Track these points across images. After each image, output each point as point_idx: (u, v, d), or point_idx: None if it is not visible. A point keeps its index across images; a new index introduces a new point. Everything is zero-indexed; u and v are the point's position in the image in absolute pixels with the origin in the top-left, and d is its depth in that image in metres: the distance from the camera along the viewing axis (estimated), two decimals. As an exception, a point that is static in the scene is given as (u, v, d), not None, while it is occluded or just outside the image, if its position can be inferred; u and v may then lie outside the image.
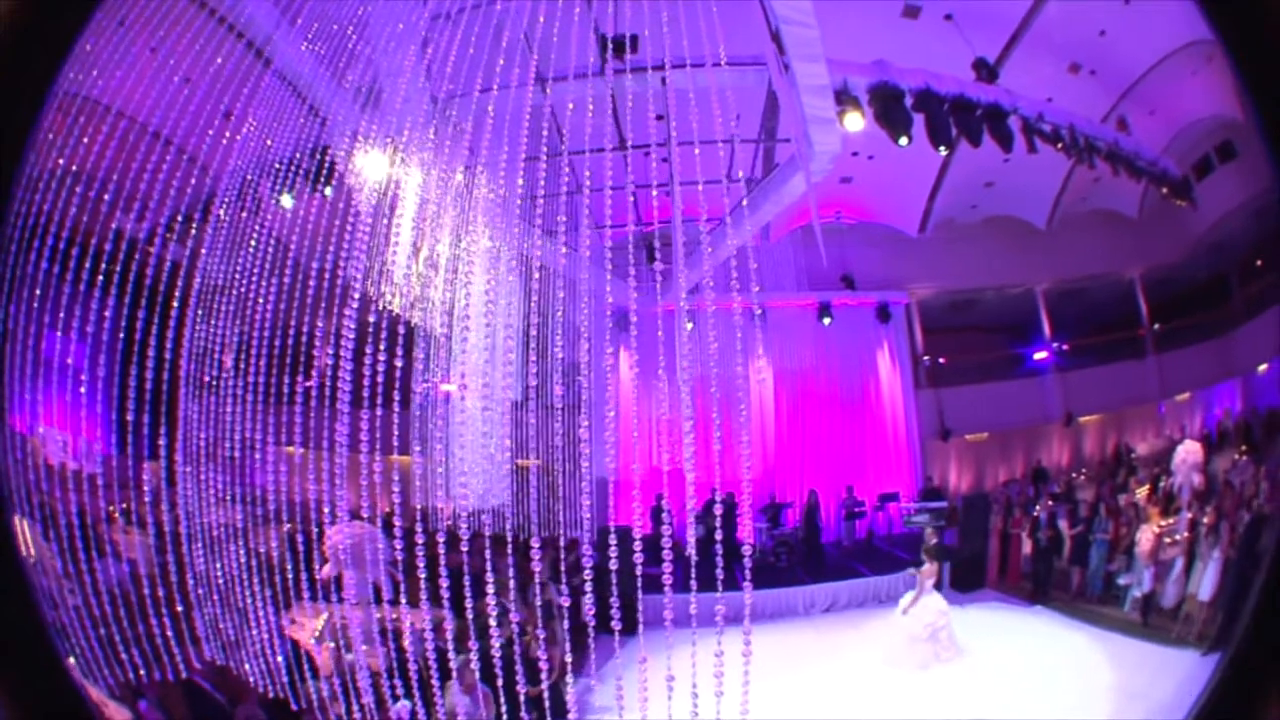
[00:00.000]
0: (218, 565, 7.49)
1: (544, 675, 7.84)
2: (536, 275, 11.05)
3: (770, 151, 14.43)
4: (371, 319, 7.74)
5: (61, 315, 7.69)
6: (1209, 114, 16.96)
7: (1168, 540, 12.22)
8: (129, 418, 7.85)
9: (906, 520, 17.29)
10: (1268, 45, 1.64)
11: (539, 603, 9.41)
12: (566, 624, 10.33)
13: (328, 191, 8.43)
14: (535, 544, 7.81)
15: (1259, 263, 18.22)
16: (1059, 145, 12.03)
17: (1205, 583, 11.08)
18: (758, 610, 14.59)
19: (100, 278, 7.77)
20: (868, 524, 18.66)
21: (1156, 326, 20.74)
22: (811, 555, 16.93)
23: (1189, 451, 14.74)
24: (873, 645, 12.60)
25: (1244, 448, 16.44)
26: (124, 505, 8.33)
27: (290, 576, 7.85)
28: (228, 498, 8.05)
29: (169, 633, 6.85)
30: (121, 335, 7.94)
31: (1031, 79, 13.20)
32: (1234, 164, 17.48)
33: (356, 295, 7.49)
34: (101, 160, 7.51)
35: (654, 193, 11.68)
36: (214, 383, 8.16)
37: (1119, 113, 15.67)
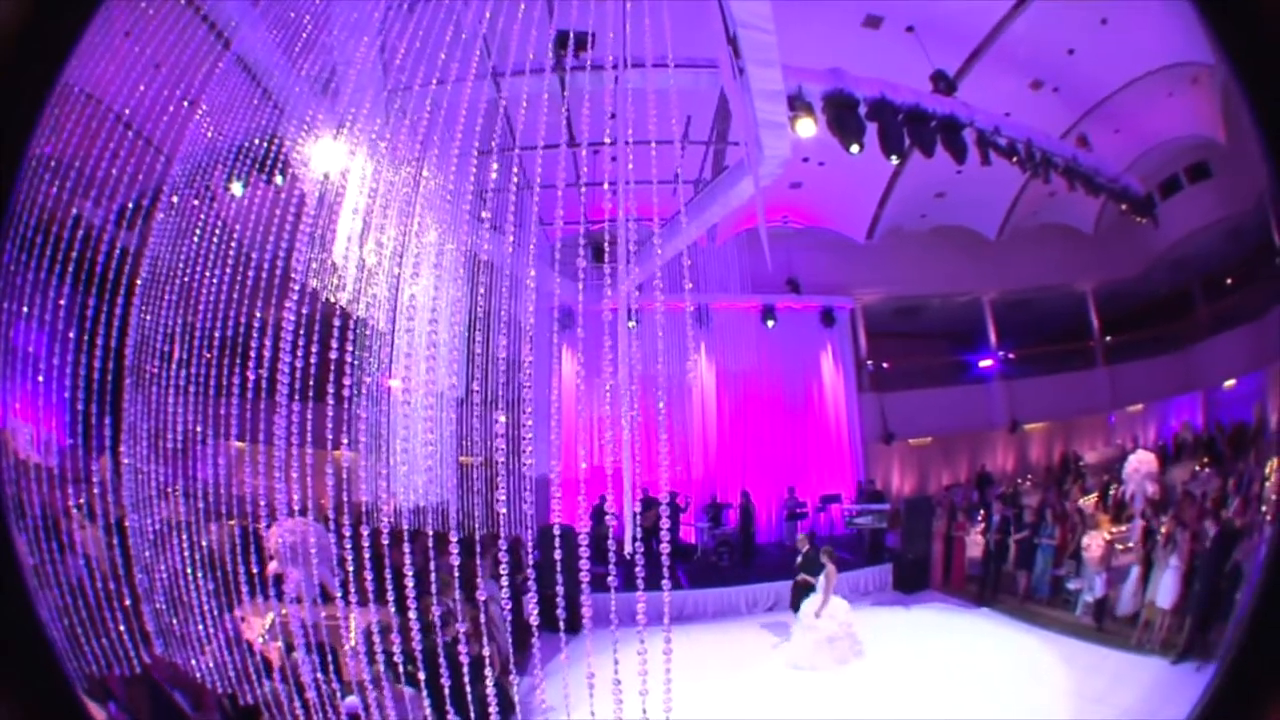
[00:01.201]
0: (162, 561, 7.40)
1: (489, 673, 7.83)
2: (482, 271, 11.06)
3: (720, 154, 14.58)
4: (314, 311, 7.73)
5: (24, 303, 7.53)
6: (1183, 134, 17.41)
7: (1120, 547, 12.46)
8: (79, 408, 7.73)
9: (849, 521, 17.48)
10: (1266, 46, 1.71)
11: (476, 600, 9.40)
12: (508, 622, 10.40)
13: (279, 180, 8.35)
14: (453, 539, 7.81)
15: (1229, 280, 18.92)
16: (1014, 159, 12.25)
17: (1164, 590, 11.12)
18: (701, 609, 14.79)
19: (58, 265, 7.61)
20: (810, 525, 18.58)
21: (1108, 339, 21.39)
22: (746, 555, 17.12)
23: (1142, 461, 14.99)
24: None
25: (1205, 460, 17.10)
26: (80, 500, 8.15)
27: (238, 573, 7.79)
28: (172, 492, 7.95)
29: (121, 627, 6.77)
30: (74, 323, 7.81)
31: (991, 93, 13.45)
32: (1207, 184, 18.03)
33: (297, 287, 7.45)
34: (69, 145, 7.36)
35: (605, 191, 11.74)
36: (158, 373, 8.05)
37: (1080, 130, 16.07)
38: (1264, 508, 11.34)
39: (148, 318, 8.16)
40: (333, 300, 8.37)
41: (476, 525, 12.60)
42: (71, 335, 7.84)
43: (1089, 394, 21.48)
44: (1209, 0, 1.95)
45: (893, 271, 20.63)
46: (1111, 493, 15.70)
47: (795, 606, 12.98)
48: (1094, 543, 12.53)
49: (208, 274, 8.21)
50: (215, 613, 7.51)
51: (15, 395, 8.70)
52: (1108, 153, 15.62)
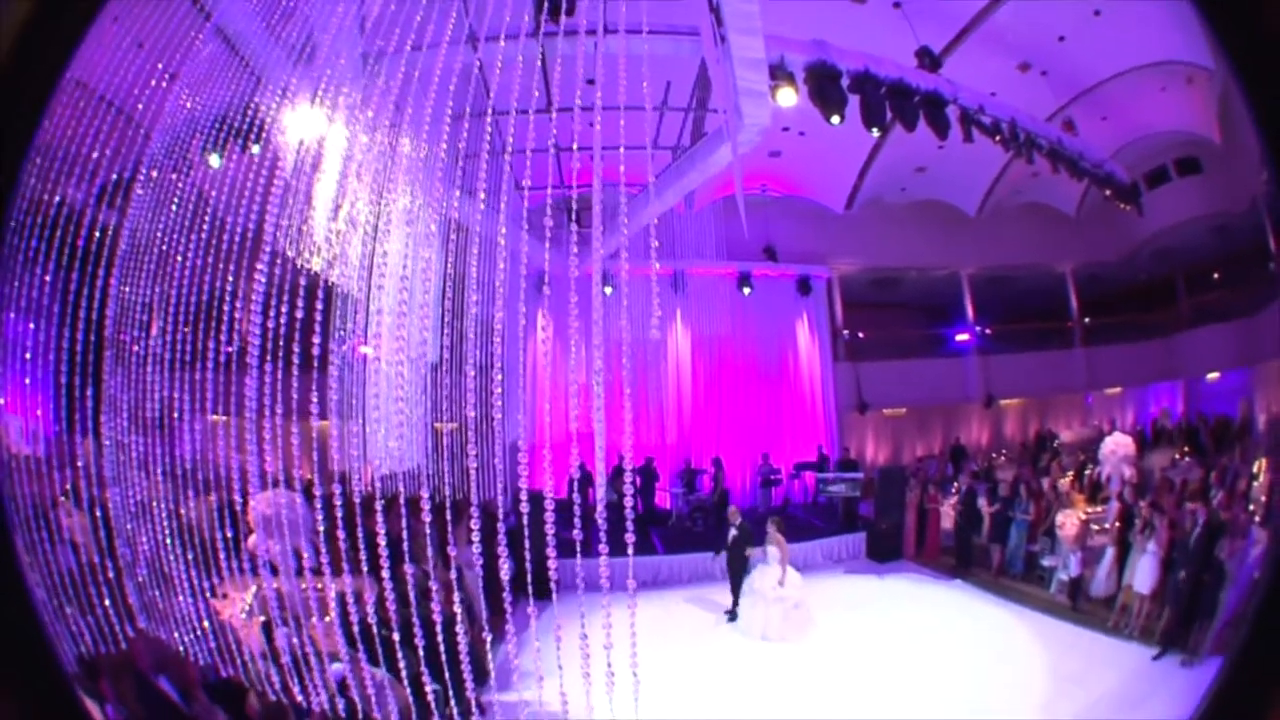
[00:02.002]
0: (143, 534, 7.39)
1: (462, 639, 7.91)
2: (456, 235, 11.02)
3: (700, 121, 14.53)
4: (288, 279, 7.71)
5: (14, 289, 7.44)
6: (1173, 129, 17.57)
7: (1095, 528, 12.54)
8: (63, 381, 7.68)
9: (822, 489, 17.60)
10: (1267, 48, 1.73)
11: (454, 567, 9.46)
12: (483, 587, 10.50)
13: (255, 149, 8.26)
14: (425, 504, 7.86)
15: (1215, 275, 19.18)
16: (997, 138, 12.18)
17: (1142, 575, 11.02)
18: (676, 575, 14.95)
19: (44, 244, 7.52)
20: (784, 491, 19.06)
21: (1087, 320, 21.67)
22: (719, 521, 17.10)
23: (1119, 444, 15.23)
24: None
25: (1186, 449, 17.35)
26: (66, 487, 8.11)
27: (220, 549, 7.80)
28: (153, 468, 7.93)
29: (106, 602, 6.79)
30: (57, 298, 7.75)
31: (976, 72, 13.33)
32: (1196, 179, 18.30)
33: (270, 253, 7.42)
34: (55, 129, 7.22)
35: (578, 155, 11.68)
36: (136, 346, 8.00)
37: (1066, 115, 16.13)
38: (1251, 507, 11.45)
39: (126, 289, 8.10)
40: (306, 266, 8.33)
41: (451, 491, 12.65)
42: (55, 309, 7.76)
43: (1066, 374, 21.78)
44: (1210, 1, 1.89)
45: (871, 243, 20.73)
46: (1087, 473, 15.90)
47: (734, 582, 12.93)
48: (1069, 521, 12.58)
49: (184, 244, 8.15)
50: (197, 589, 7.54)
51: (6, 388, 8.66)
52: (1094, 139, 15.65)
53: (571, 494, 15.26)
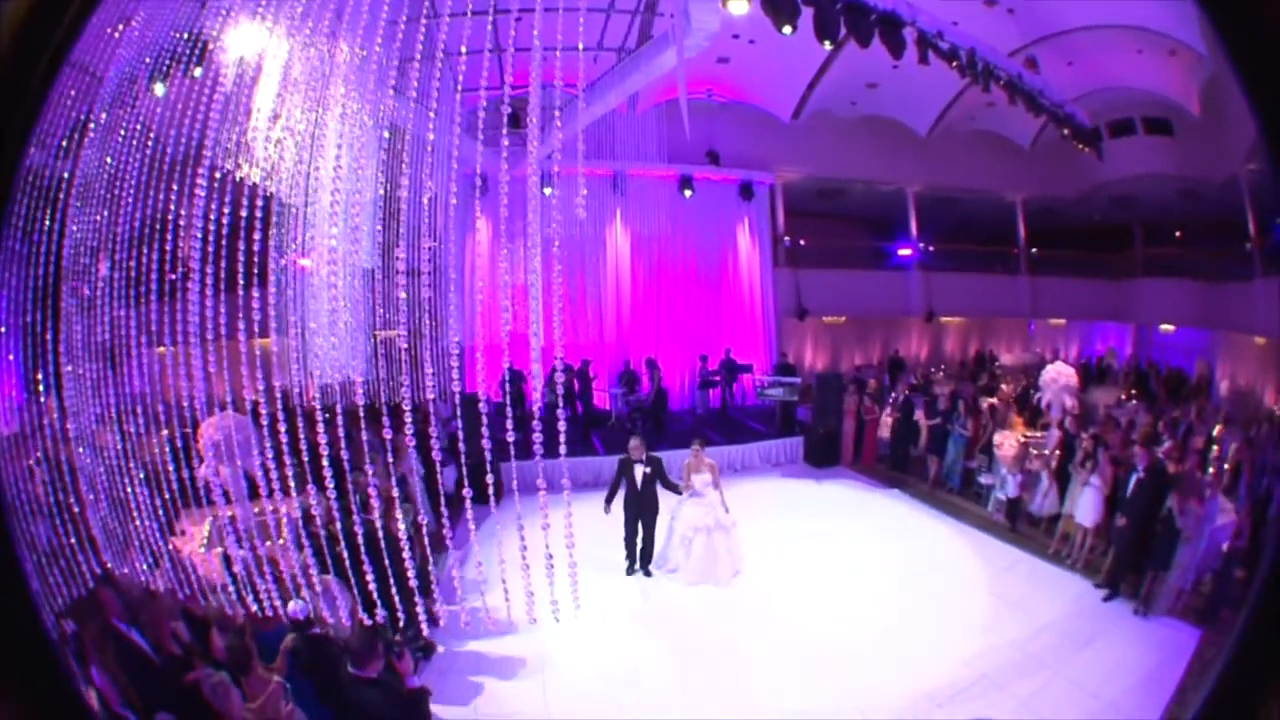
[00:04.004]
0: (105, 482, 7.44)
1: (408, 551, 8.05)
2: (394, 138, 10.91)
3: (647, 24, 14.35)
4: (228, 195, 7.67)
5: None
6: (1147, 89, 17.99)
7: (1034, 452, 12.61)
8: (27, 320, 7.58)
9: (760, 392, 17.95)
10: (1268, 44, 1.83)
11: (396, 476, 9.60)
12: (425, 495, 10.76)
13: (197, 73, 8.05)
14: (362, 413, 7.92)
15: (1178, 234, 20.25)
16: (954, 63, 12.05)
17: (1084, 507, 10.97)
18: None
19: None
20: (721, 394, 19.39)
21: (1035, 251, 22.39)
22: (658, 421, 17.44)
23: (1060, 372, 15.50)
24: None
25: (1134, 391, 18.01)
26: (37, 455, 8.04)
27: (175, 483, 7.89)
28: (108, 407, 7.93)
29: (72, 539, 6.85)
30: (22, 239, 7.58)
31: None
32: (1166, 140, 18.93)
33: (209, 169, 7.36)
34: None
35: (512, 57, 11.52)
36: (87, 290, 7.92)
37: (1030, 53, 16.18)
38: (1211, 470, 11.84)
39: (75, 228, 7.98)
40: (245, 180, 8.28)
41: (393, 398, 12.75)
42: (18, 249, 7.60)
43: (1009, 299, 22.57)
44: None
45: (816, 153, 20.87)
46: (1030, 397, 16.27)
47: (647, 529, 11.07)
48: (1006, 442, 12.81)
49: (131, 175, 8.02)
50: (157, 529, 7.64)
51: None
52: (1056, 81, 15.68)
53: (504, 396, 15.56)
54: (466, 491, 6.51)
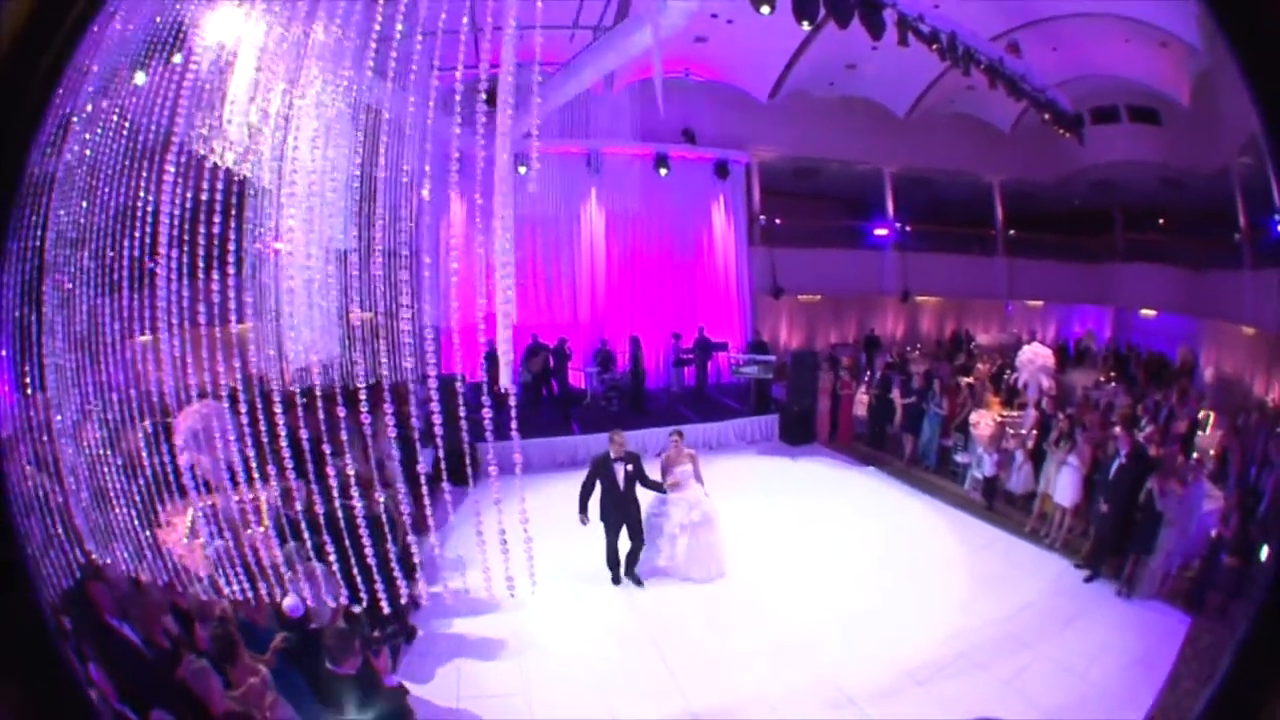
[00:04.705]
0: (86, 474, 7.40)
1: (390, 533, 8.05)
2: (368, 119, 10.85)
3: (625, 2, 14.28)
4: (204, 181, 7.64)
5: None
6: (1134, 79, 18.16)
7: (1010, 431, 12.80)
8: (15, 314, 7.48)
9: (735, 370, 18.02)
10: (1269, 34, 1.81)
11: (375, 459, 9.58)
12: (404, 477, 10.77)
13: (176, 59, 7.96)
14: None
15: (1161, 221, 20.48)
16: (934, 46, 12.04)
17: (1062, 487, 11.04)
18: (593, 453, 15.37)
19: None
20: (696, 372, 19.41)
21: (1012, 232, 22.59)
22: (635, 398, 17.59)
23: (1037, 353, 15.77)
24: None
25: (1114, 374, 18.23)
26: (30, 456, 7.95)
27: (157, 475, 7.86)
28: (91, 403, 7.89)
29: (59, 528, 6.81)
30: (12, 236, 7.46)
31: None
32: (1152, 129, 19.14)
33: (178, 154, 7.32)
34: None
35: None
36: (70, 284, 7.86)
37: (1013, 38, 16.16)
38: (1196, 455, 11.97)
39: (60, 218, 7.91)
40: (219, 164, 8.23)
41: (366, 382, 12.72)
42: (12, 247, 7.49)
43: (986, 280, 22.75)
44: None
45: (793, 132, 20.91)
46: (1006, 377, 16.56)
47: (633, 529, 10.18)
48: (983, 421, 12.93)
49: (110, 166, 7.96)
50: (140, 524, 7.62)
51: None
52: (1039, 67, 15.70)
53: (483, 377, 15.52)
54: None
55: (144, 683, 4.75)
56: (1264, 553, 8.81)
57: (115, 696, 4.30)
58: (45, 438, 7.70)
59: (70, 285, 8.01)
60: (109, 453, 7.83)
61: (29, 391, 8.14)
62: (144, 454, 8.05)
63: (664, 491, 10.50)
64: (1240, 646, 1.81)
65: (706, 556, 10.39)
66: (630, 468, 10.06)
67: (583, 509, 9.97)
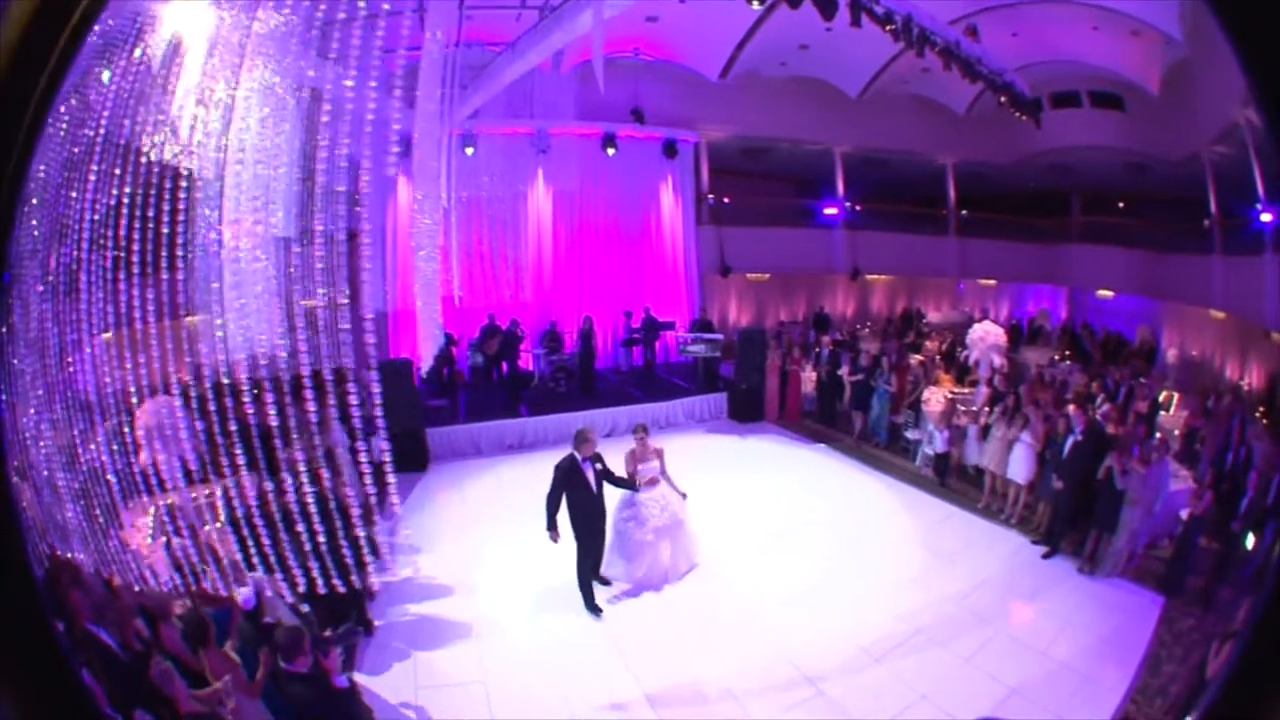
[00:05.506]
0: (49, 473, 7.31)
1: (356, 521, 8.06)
2: (312, 103, 10.76)
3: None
4: (154, 176, 7.57)
5: None
6: (1098, 65, 18.35)
7: (961, 408, 12.92)
8: None
9: (682, 349, 18.03)
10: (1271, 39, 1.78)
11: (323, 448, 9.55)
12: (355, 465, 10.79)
13: (138, 54, 7.81)
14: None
15: (1120, 204, 21.02)
16: (888, 28, 12.07)
17: (1016, 464, 11.12)
18: (542, 436, 15.49)
19: None
20: (644, 351, 19.50)
21: (964, 212, 22.89)
22: (585, 380, 17.59)
23: (988, 331, 15.95)
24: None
25: (1068, 353, 18.58)
26: (16, 463, 7.78)
27: (118, 476, 7.78)
28: (56, 408, 7.77)
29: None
30: None
31: None
32: (1114, 114, 19.42)
33: (123, 149, 7.25)
34: None
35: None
36: (40, 287, 7.72)
37: (971, 22, 16.32)
38: (1159, 435, 12.08)
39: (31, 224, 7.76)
40: (166, 157, 8.14)
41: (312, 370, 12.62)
42: None
43: (937, 259, 23.10)
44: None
45: (743, 112, 21.01)
46: (958, 355, 16.81)
47: (600, 540, 9.39)
48: (934, 398, 13.15)
49: (71, 165, 7.84)
50: (105, 527, 7.55)
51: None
52: (997, 51, 15.86)
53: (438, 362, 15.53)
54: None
55: (122, 687, 4.80)
56: (1250, 541, 8.84)
57: (105, 702, 4.35)
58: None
59: (41, 288, 7.88)
60: (70, 452, 7.76)
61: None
62: (104, 451, 7.99)
63: (635, 490, 9.68)
64: (1243, 646, 1.77)
65: (682, 557, 9.93)
66: (599, 466, 9.16)
67: (551, 524, 8.91)
